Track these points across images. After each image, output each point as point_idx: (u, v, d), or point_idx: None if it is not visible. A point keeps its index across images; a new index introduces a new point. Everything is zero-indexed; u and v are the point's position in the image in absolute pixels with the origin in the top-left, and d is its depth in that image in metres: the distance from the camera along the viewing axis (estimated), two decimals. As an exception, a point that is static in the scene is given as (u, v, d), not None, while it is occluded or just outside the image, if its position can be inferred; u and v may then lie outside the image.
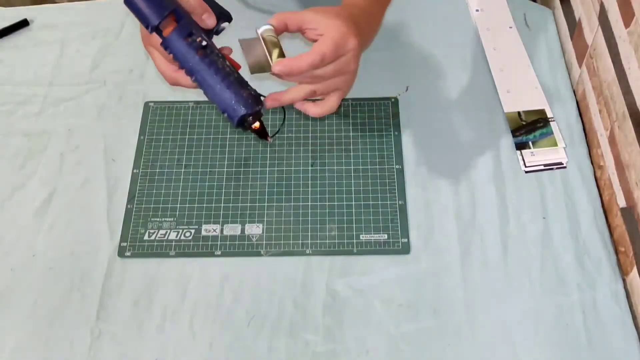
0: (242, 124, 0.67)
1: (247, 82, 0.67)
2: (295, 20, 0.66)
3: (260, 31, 0.66)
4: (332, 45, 0.64)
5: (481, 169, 0.82)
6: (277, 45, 0.66)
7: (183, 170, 0.84)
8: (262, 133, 0.70)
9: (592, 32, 0.84)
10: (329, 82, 0.67)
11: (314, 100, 0.70)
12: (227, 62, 0.66)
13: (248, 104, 0.65)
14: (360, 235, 0.78)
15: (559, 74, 0.91)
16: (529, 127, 0.85)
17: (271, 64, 0.65)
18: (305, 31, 0.67)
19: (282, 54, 0.66)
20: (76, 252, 0.78)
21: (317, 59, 0.63)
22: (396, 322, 0.72)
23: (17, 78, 0.93)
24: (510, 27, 0.96)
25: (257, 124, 0.68)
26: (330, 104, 0.69)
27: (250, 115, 0.66)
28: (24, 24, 0.98)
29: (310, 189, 0.81)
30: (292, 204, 0.80)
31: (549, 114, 0.86)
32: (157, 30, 0.64)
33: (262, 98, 0.67)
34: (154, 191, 0.82)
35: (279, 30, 0.67)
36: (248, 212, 0.80)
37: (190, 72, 0.65)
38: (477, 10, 0.98)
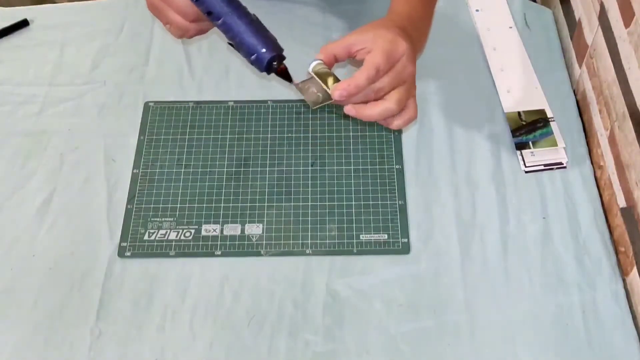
0: (269, 67, 0.68)
1: (266, 28, 0.69)
2: (341, 47, 0.65)
3: (310, 69, 0.66)
4: (383, 54, 0.62)
5: (481, 169, 0.82)
6: (330, 74, 0.66)
7: (183, 170, 0.84)
8: (286, 75, 0.70)
9: (592, 32, 0.84)
10: (390, 90, 0.64)
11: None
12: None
13: (276, 46, 0.67)
14: (360, 235, 0.78)
15: (559, 74, 0.91)
16: (529, 127, 0.85)
17: (329, 92, 0.65)
18: (356, 55, 0.66)
19: (337, 80, 0.65)
20: (76, 252, 0.78)
21: (372, 72, 0.62)
22: (396, 322, 0.72)
23: (17, 78, 0.93)
24: (510, 27, 0.96)
25: (283, 66, 0.69)
26: (409, 112, 0.66)
27: (276, 59, 0.67)
28: (24, 24, 0.98)
29: (310, 189, 0.81)
30: (292, 204, 0.80)
31: (549, 114, 0.86)
32: None
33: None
34: (154, 191, 0.82)
35: (329, 64, 0.66)
36: (248, 212, 0.80)
37: (217, 17, 0.67)
38: (477, 10, 0.98)
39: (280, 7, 0.97)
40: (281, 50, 0.68)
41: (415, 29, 0.70)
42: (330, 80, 0.65)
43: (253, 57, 0.67)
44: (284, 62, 0.68)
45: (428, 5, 0.77)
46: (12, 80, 0.92)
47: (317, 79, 0.66)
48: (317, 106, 0.66)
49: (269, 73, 0.69)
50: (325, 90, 0.65)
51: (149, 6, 0.70)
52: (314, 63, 0.66)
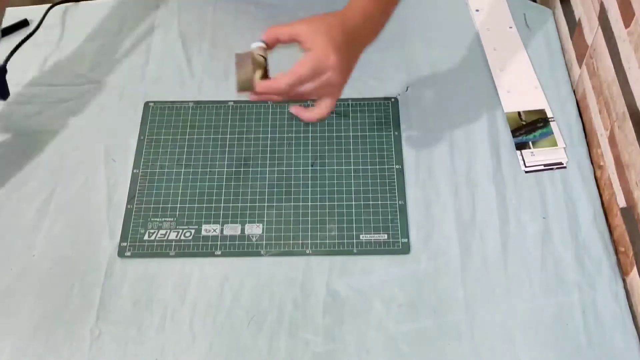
0: None
1: None
2: (287, 35, 0.70)
3: (252, 48, 0.70)
4: (310, 67, 0.68)
5: (481, 169, 0.82)
6: (262, 65, 0.70)
7: (183, 170, 0.84)
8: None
9: (592, 32, 0.84)
10: (314, 94, 0.71)
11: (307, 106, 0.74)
12: None
13: None
14: (360, 235, 0.78)
15: (559, 74, 0.91)
16: (529, 127, 0.85)
17: (254, 83, 0.70)
18: (299, 43, 0.70)
19: (265, 75, 0.70)
20: (76, 252, 0.78)
21: (295, 80, 0.68)
22: (396, 322, 0.72)
23: (17, 78, 0.93)
24: (510, 27, 0.96)
25: None
26: (319, 110, 0.73)
27: None
28: (24, 24, 0.98)
29: (310, 189, 0.81)
30: (292, 204, 0.80)
31: (549, 114, 0.86)
32: None
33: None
34: (154, 191, 0.82)
35: (271, 45, 0.71)
36: (248, 212, 0.80)
37: None
38: (477, 10, 0.98)
39: (283, 10, 0.97)
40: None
41: (369, 22, 0.73)
42: (259, 73, 0.70)
43: None
44: None
45: (388, 2, 0.78)
46: (12, 80, 0.92)
47: (251, 63, 0.70)
48: (242, 90, 0.71)
49: None
50: (253, 79, 0.70)
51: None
52: (256, 44, 0.70)
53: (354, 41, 0.71)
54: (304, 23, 0.70)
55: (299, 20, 0.70)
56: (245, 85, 0.70)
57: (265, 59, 0.71)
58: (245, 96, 0.89)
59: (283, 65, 0.69)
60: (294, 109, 0.75)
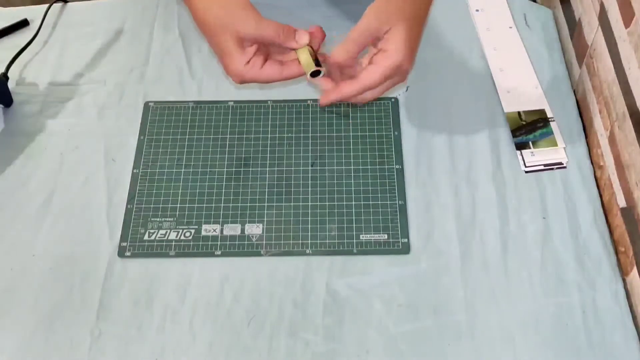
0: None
1: None
2: (361, 43, 0.68)
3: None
4: (382, 74, 0.67)
5: (481, 169, 0.82)
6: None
7: (183, 170, 0.84)
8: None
9: (592, 32, 0.84)
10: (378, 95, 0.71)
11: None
12: None
13: None
14: (360, 235, 0.78)
15: (559, 74, 0.91)
16: (529, 127, 0.85)
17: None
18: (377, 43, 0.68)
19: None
20: (76, 252, 0.78)
21: (365, 87, 0.67)
22: (396, 322, 0.72)
23: (17, 78, 0.93)
24: (510, 27, 0.96)
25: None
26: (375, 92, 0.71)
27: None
28: (24, 24, 0.98)
29: (310, 189, 0.81)
30: (292, 204, 0.80)
31: (549, 114, 0.86)
32: None
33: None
34: (154, 191, 0.82)
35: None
36: (248, 212, 0.80)
37: None
38: (477, 10, 0.98)
39: (280, 11, 0.97)
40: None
41: (428, 12, 0.72)
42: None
43: None
44: None
45: None
46: (12, 80, 0.92)
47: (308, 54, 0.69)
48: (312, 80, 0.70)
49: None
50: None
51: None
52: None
53: (421, 33, 0.69)
54: (378, 20, 0.66)
55: (369, 15, 0.67)
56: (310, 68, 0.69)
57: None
58: (246, 96, 0.90)
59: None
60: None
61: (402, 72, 0.69)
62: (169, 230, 0.79)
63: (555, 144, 0.83)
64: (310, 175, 0.82)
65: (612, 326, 0.71)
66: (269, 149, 0.85)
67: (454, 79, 0.91)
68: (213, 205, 0.80)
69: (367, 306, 0.73)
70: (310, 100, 0.89)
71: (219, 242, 0.78)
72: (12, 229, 0.79)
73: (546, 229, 0.77)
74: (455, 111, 0.87)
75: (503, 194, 0.80)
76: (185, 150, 0.85)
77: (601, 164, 0.82)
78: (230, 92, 0.91)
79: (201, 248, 0.77)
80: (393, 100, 0.89)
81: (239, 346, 0.71)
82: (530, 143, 0.84)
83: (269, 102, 0.89)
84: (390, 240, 0.77)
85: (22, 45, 0.95)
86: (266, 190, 0.81)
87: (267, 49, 0.71)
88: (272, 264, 0.76)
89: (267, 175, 0.83)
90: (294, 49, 0.69)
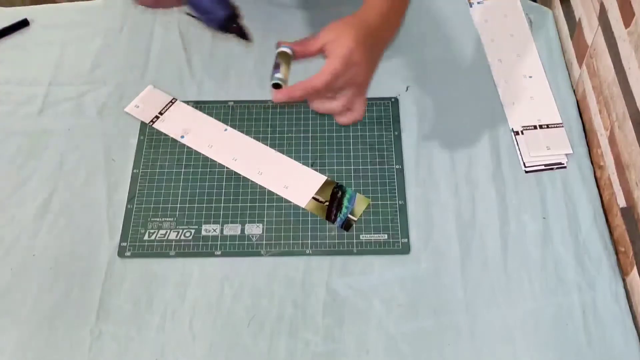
0: (225, 25, 0.70)
1: None
2: (316, 47, 0.69)
3: (282, 49, 0.69)
4: (340, 61, 0.66)
5: (481, 169, 0.82)
6: (289, 64, 0.69)
7: (183, 170, 0.84)
8: (242, 34, 0.73)
9: (592, 32, 0.84)
10: (343, 93, 0.69)
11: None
12: None
13: (229, 4, 0.69)
14: (360, 235, 0.78)
15: (559, 74, 0.91)
16: (335, 205, 0.79)
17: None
18: (324, 52, 0.69)
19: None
20: (76, 252, 0.78)
21: (332, 77, 0.66)
22: (396, 322, 0.72)
23: (17, 78, 0.93)
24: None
25: (237, 25, 0.71)
26: (354, 114, 0.71)
27: (231, 17, 0.70)
28: (24, 24, 0.98)
29: (310, 189, 0.81)
30: (292, 204, 0.80)
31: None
32: None
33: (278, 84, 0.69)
34: (154, 191, 0.82)
35: (297, 56, 0.70)
36: (248, 212, 0.80)
37: None
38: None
39: (282, 9, 0.97)
40: (235, 8, 0.69)
41: (385, 22, 0.72)
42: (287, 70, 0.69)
43: (208, 16, 0.68)
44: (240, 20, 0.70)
45: (401, 2, 0.77)
46: (12, 80, 0.92)
47: (284, 62, 0.69)
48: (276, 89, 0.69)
49: (225, 32, 0.70)
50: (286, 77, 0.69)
51: None
52: (284, 49, 0.68)
53: (373, 39, 0.70)
54: (326, 31, 0.69)
55: (321, 31, 0.69)
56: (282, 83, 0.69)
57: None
58: (246, 96, 0.90)
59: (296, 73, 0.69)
60: (326, 113, 0.72)
61: (355, 65, 0.67)
62: (169, 230, 0.79)
63: (366, 201, 0.79)
64: (310, 175, 0.82)
65: (612, 326, 0.71)
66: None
67: (454, 79, 0.91)
68: (213, 205, 0.80)
69: (367, 306, 0.73)
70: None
71: (219, 242, 0.78)
72: (12, 229, 0.79)
73: (546, 228, 0.77)
74: (455, 111, 0.87)
75: (503, 194, 0.80)
76: (185, 150, 0.85)
77: (601, 164, 0.82)
78: (230, 92, 0.91)
79: (201, 248, 0.77)
80: (393, 100, 0.89)
81: (239, 346, 0.71)
82: (350, 215, 0.79)
83: (269, 102, 0.89)
84: (390, 240, 0.77)
85: (22, 45, 0.95)
86: (266, 190, 0.81)
87: None
88: (272, 264, 0.76)
89: (267, 175, 0.83)
90: None
